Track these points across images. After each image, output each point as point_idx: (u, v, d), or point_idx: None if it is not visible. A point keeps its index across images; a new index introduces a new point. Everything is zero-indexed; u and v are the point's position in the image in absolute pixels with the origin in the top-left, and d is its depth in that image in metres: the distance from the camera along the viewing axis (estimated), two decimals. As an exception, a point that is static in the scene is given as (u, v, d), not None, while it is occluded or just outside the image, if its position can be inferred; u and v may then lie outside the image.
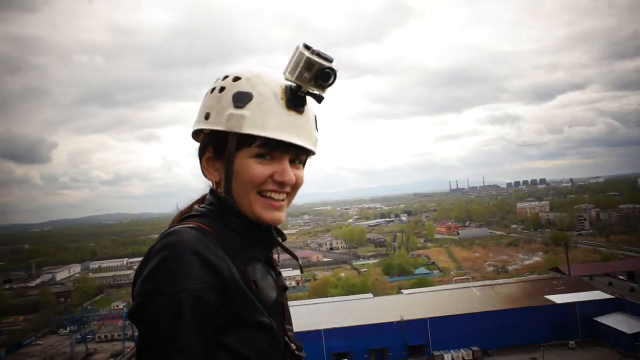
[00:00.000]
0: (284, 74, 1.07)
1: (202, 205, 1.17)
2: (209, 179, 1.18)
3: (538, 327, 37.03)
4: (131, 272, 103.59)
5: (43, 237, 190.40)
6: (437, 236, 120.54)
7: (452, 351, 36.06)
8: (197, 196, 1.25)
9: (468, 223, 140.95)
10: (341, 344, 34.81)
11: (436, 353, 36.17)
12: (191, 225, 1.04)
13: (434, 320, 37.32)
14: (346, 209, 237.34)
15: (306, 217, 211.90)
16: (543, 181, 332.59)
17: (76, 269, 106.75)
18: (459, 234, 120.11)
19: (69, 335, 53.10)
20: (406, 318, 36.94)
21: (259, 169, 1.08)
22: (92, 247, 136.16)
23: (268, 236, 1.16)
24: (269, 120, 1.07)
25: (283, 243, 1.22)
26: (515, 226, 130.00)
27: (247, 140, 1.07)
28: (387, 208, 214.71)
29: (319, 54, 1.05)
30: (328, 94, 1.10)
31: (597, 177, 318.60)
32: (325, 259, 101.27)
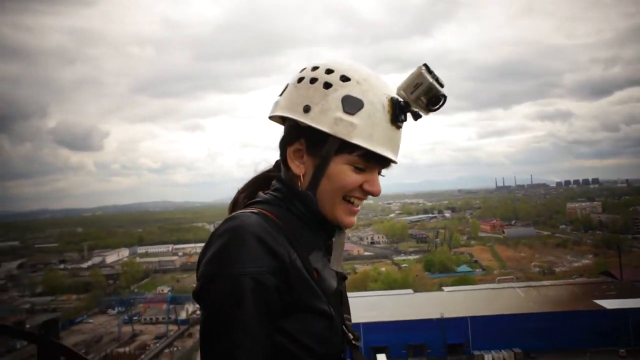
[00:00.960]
0: (399, 90, 1.10)
1: (266, 192, 1.16)
2: (289, 168, 1.14)
3: (585, 331, 35.61)
4: (175, 258, 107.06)
5: (94, 221, 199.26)
6: (481, 234, 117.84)
7: (492, 351, 35.28)
8: (245, 180, 1.27)
9: (514, 221, 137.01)
10: (379, 338, 34.69)
11: (476, 352, 35.48)
12: (254, 211, 1.05)
13: (475, 319, 36.59)
14: (388, 203, 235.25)
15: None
16: (595, 180, 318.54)
17: (124, 252, 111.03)
18: (503, 232, 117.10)
19: (117, 315, 55.49)
20: (446, 315, 36.38)
21: (354, 177, 1.09)
22: (139, 233, 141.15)
23: (330, 226, 1.16)
24: (375, 133, 1.07)
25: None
26: (563, 226, 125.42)
27: (348, 147, 1.07)
28: (430, 203, 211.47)
29: (437, 79, 1.08)
30: None
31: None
32: (366, 253, 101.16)
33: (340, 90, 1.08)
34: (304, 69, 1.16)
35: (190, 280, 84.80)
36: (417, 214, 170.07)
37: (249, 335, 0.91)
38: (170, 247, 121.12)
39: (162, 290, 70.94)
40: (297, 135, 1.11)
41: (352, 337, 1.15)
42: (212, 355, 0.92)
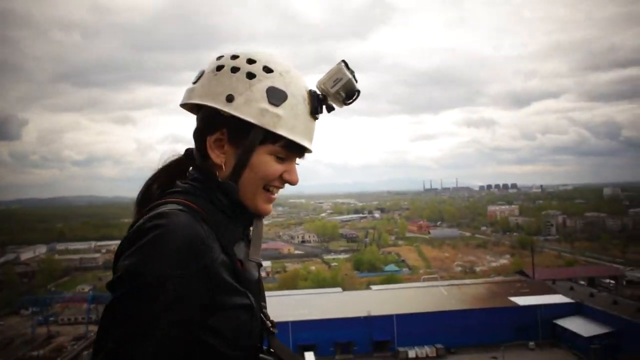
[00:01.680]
0: (320, 83, 1.15)
1: (184, 181, 1.15)
2: (208, 157, 1.13)
3: (501, 327, 37.99)
4: (98, 255, 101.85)
5: (9, 215, 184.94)
6: (408, 234, 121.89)
7: (416, 347, 36.71)
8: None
9: (439, 223, 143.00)
10: (307, 336, 35.03)
11: (401, 349, 36.77)
12: (180, 207, 1.02)
13: (400, 317, 37.90)
14: (320, 203, 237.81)
15: (279, 208, 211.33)
16: (514, 185, 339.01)
17: (41, 249, 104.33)
18: (429, 233, 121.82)
19: (31, 316, 52.04)
20: (373, 313, 37.41)
21: (276, 167, 1.12)
22: (60, 228, 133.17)
23: (249, 216, 1.18)
24: (297, 124, 1.11)
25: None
26: (484, 228, 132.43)
27: (271, 137, 1.09)
28: (361, 204, 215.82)
29: (353, 75, 1.16)
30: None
31: (566, 185, 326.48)
32: (297, 252, 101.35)
33: (265, 81, 1.09)
34: (222, 56, 1.14)
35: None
36: (348, 213, 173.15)
37: (153, 340, 0.88)
38: (92, 243, 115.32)
39: (82, 289, 67.31)
40: (218, 124, 1.10)
41: (270, 324, 1.18)
42: (110, 344, 0.88)
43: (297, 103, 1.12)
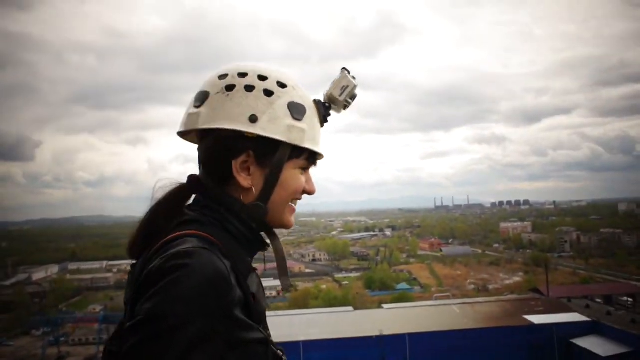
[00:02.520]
0: (329, 92, 1.19)
1: (193, 209, 1.11)
2: (228, 182, 1.10)
3: (515, 346, 37.15)
4: (110, 275, 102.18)
5: (21, 236, 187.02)
6: (420, 252, 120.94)
7: (429, 368, 36.05)
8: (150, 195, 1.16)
9: (451, 240, 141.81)
10: (319, 356, 34.51)
11: (413, 369, 36.14)
12: (200, 242, 0.97)
13: (413, 336, 37.30)
14: (331, 221, 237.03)
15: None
16: (526, 202, 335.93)
17: (53, 269, 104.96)
18: (441, 250, 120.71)
19: (42, 336, 52.07)
20: (385, 332, 36.88)
21: (302, 180, 1.14)
22: (72, 248, 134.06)
23: (260, 244, 1.16)
24: (315, 135, 1.14)
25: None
26: (497, 245, 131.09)
27: (296, 152, 1.10)
28: (372, 222, 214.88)
29: (354, 78, 1.21)
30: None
31: (580, 201, 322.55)
32: (307, 270, 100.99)
33: (283, 97, 1.10)
34: (225, 75, 1.12)
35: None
36: (359, 232, 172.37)
37: None
38: (104, 263, 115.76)
39: (93, 309, 67.37)
40: (242, 147, 1.07)
41: (280, 353, 1.14)
42: None
43: (312, 114, 1.14)
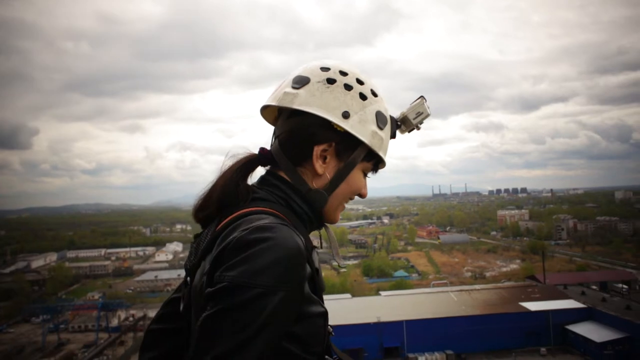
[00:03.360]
0: (406, 113, 1.30)
1: (260, 186, 1.19)
2: (302, 164, 1.18)
3: (511, 333, 37.60)
4: (108, 263, 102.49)
5: (20, 224, 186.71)
6: (418, 240, 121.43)
7: (426, 354, 36.39)
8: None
9: (448, 228, 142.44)
10: (317, 343, 34.83)
11: (410, 355, 36.48)
12: (278, 220, 1.04)
13: (410, 323, 37.65)
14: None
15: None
16: (524, 190, 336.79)
17: (52, 257, 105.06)
18: (439, 238, 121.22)
19: (41, 324, 52.37)
20: (383, 319, 37.21)
21: (363, 182, 1.24)
22: (70, 236, 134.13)
23: (319, 221, 1.24)
24: (387, 146, 1.25)
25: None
26: (494, 233, 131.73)
27: (368, 156, 1.20)
28: (370, 209, 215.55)
29: (428, 108, 1.33)
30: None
31: (576, 189, 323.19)
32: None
33: (374, 105, 1.20)
34: (328, 68, 1.20)
35: (123, 286, 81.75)
36: (357, 219, 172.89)
37: (256, 350, 0.89)
38: (102, 251, 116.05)
39: (92, 297, 67.69)
40: (327, 136, 1.16)
41: (331, 329, 1.22)
42: (215, 351, 0.87)
43: (389, 128, 1.25)
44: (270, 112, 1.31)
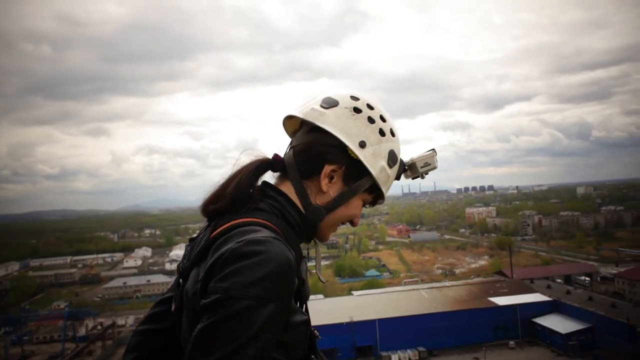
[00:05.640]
0: (414, 160, 1.37)
1: (267, 200, 1.22)
2: (309, 178, 1.23)
3: (481, 328, 38.41)
4: (74, 270, 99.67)
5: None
6: (388, 239, 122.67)
7: (399, 351, 36.81)
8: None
9: (418, 226, 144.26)
10: (290, 345, 34.74)
11: (383, 353, 36.82)
12: (272, 233, 1.08)
13: (383, 322, 37.99)
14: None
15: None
16: (491, 187, 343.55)
17: (14, 266, 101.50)
18: (409, 236, 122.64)
19: (3, 336, 50.50)
20: (355, 319, 37.42)
21: (360, 211, 1.31)
22: (34, 244, 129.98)
23: (309, 234, 1.28)
24: (390, 185, 1.31)
25: None
26: (463, 230, 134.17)
27: (371, 188, 1.27)
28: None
29: (437, 161, 1.40)
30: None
31: (541, 185, 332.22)
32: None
33: (389, 143, 1.27)
34: (357, 99, 1.28)
35: (91, 294, 79.75)
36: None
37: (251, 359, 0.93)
38: (68, 258, 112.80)
39: (58, 306, 65.72)
40: (340, 159, 1.22)
41: (317, 332, 1.28)
42: (210, 357, 0.91)
43: (397, 169, 1.31)
44: (291, 124, 1.36)
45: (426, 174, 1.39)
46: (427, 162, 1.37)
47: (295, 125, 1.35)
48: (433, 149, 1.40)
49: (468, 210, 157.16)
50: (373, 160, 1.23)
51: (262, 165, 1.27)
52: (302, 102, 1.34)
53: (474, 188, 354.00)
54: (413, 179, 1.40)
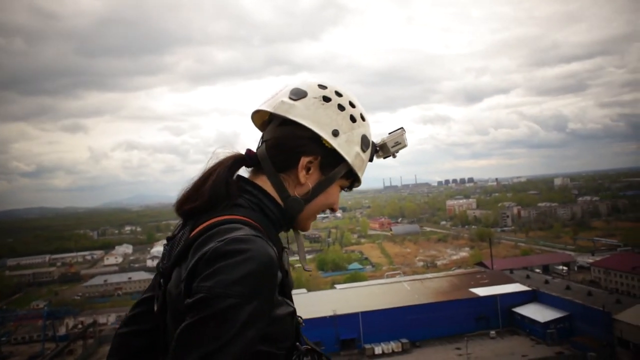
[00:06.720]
0: (385, 141, 1.38)
1: (244, 195, 1.22)
2: (285, 171, 1.24)
3: (463, 318, 38.97)
4: (53, 269, 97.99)
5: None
6: (370, 232, 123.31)
7: (382, 343, 37.13)
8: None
9: (400, 219, 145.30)
10: (274, 339, 34.78)
11: (367, 346, 37.12)
12: (253, 231, 1.08)
13: (365, 314, 38.26)
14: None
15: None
16: (471, 180, 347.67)
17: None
18: (391, 229, 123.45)
19: (-19, 337, 49.54)
20: (338, 312, 37.62)
21: (338, 197, 1.33)
22: (10, 243, 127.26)
23: (288, 224, 1.30)
24: (365, 168, 1.33)
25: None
26: (444, 222, 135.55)
27: (347, 174, 1.29)
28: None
29: (406, 139, 1.42)
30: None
31: (520, 177, 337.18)
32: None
33: (361, 128, 1.28)
34: (325, 87, 1.28)
35: (70, 292, 78.51)
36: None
37: (236, 355, 0.94)
38: (47, 257, 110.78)
39: (37, 305, 64.64)
40: (315, 149, 1.23)
41: (301, 319, 1.27)
42: (194, 354, 0.92)
43: (370, 151, 1.32)
44: (260, 117, 1.36)
45: (397, 152, 1.40)
46: (397, 142, 1.38)
47: (263, 118, 1.35)
48: (402, 128, 1.41)
49: (449, 202, 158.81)
50: (347, 148, 1.25)
51: (237, 161, 1.27)
52: (270, 94, 1.33)
53: (454, 180, 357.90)
54: (385, 158, 1.41)
